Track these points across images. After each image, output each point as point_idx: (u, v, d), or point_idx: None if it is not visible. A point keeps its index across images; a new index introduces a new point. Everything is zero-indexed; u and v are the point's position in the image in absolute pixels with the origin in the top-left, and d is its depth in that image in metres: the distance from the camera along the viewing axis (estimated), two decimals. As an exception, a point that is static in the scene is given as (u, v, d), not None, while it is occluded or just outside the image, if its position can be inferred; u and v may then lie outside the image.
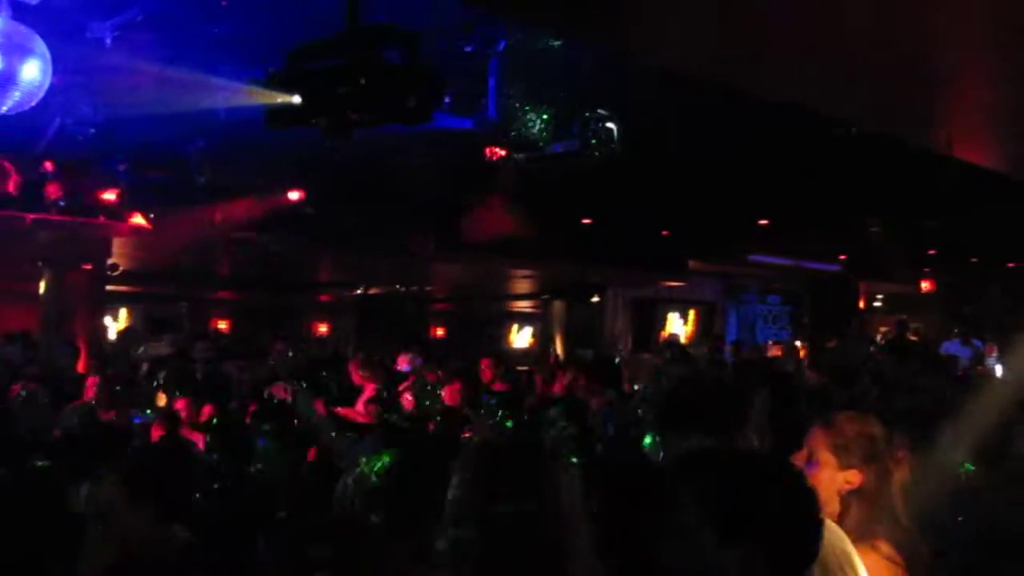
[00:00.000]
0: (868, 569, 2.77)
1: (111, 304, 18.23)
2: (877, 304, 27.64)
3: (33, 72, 5.90)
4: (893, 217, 15.24)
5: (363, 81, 4.29)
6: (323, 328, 22.85)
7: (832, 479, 3.14)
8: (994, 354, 14.76)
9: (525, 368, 14.24)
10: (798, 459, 3.26)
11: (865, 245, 17.64)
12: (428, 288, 21.40)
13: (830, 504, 3.06)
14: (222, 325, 21.65)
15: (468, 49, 6.92)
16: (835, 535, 2.70)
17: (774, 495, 2.14)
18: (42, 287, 12.74)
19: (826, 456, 3.18)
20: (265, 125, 4.84)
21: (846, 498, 3.12)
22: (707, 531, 2.09)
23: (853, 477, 3.14)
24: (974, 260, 21.61)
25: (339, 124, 4.60)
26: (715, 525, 2.08)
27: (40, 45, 5.94)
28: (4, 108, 5.94)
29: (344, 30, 4.46)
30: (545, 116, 7.27)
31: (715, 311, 24.18)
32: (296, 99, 4.58)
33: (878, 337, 21.50)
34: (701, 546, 2.09)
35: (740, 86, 7.75)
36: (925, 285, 24.02)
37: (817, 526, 2.16)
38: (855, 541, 2.80)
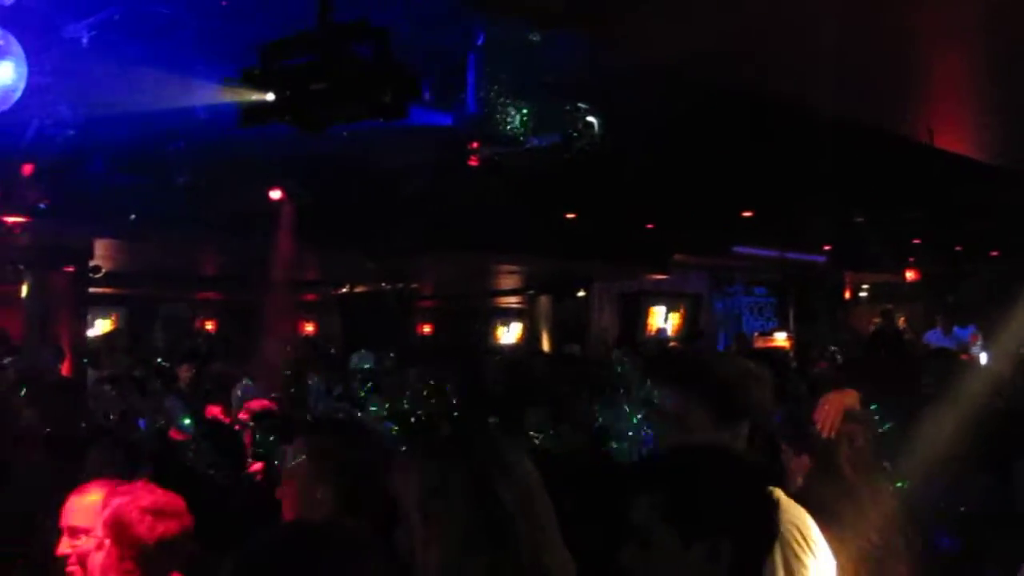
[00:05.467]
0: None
1: (102, 306, 18.25)
2: (863, 294, 27.71)
3: (8, 73, 5.85)
4: (877, 207, 15.29)
5: (336, 78, 4.26)
6: (309, 327, 22.82)
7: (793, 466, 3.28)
8: (979, 342, 14.77)
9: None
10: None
11: (850, 235, 17.69)
12: (414, 285, 21.36)
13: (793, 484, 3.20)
14: (208, 326, 21.67)
15: (447, 44, 6.91)
16: (790, 512, 2.72)
17: (732, 487, 2.15)
18: (24, 290, 12.69)
19: (785, 447, 3.33)
20: (239, 124, 4.80)
21: (806, 478, 3.24)
22: (669, 533, 2.09)
23: (807, 460, 3.28)
24: (958, 249, 21.70)
25: (313, 121, 4.57)
26: (677, 526, 2.09)
27: (15, 46, 5.89)
28: (-20, 110, 5.90)
29: (316, 27, 4.44)
30: (525, 110, 7.24)
31: (701, 303, 24.19)
32: (270, 96, 4.54)
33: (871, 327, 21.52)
34: (664, 548, 2.09)
35: (722, 80, 7.76)
36: (910, 275, 24.09)
37: (773, 510, 2.17)
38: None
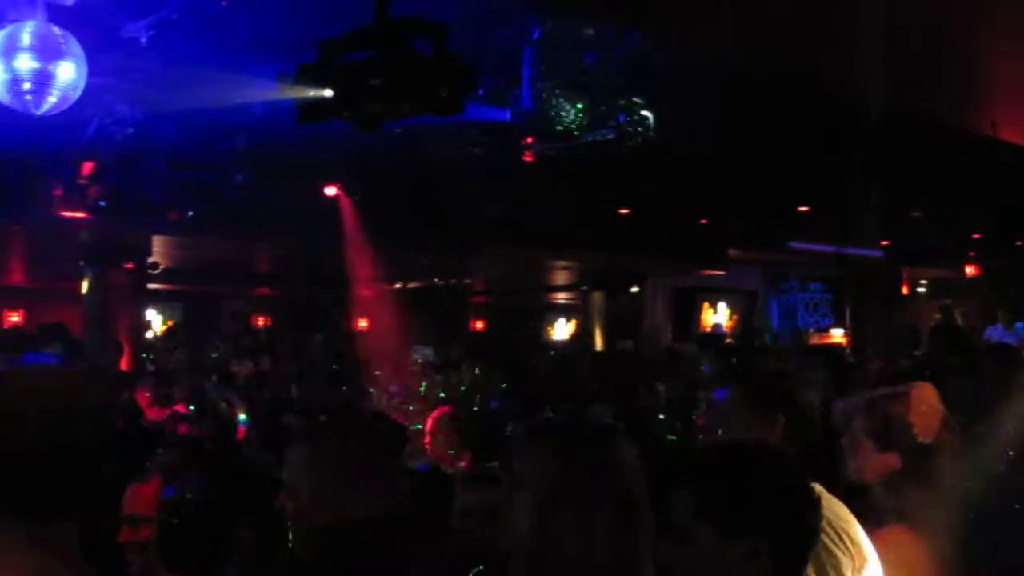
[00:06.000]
0: (900, 544, 2.73)
1: (159, 302, 18.54)
2: (921, 290, 27.29)
3: (69, 73, 5.93)
4: (936, 201, 15.04)
5: (393, 73, 4.26)
6: (363, 323, 22.94)
7: (872, 462, 3.12)
8: (1041, 338, 14.45)
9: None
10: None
11: (908, 230, 17.41)
12: (467, 281, 21.40)
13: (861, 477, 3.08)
14: (261, 322, 21.92)
15: (502, 40, 6.90)
16: (831, 508, 2.66)
17: (772, 486, 2.11)
18: (84, 286, 12.90)
19: (863, 439, 3.15)
20: (296, 120, 4.82)
21: (888, 480, 3.08)
22: (708, 530, 2.06)
23: (892, 460, 3.10)
24: (1019, 243, 21.27)
25: (370, 116, 4.58)
26: (715, 524, 2.06)
27: (75, 46, 5.97)
28: (42, 109, 5.98)
29: (374, 22, 4.44)
30: (580, 105, 7.20)
31: (756, 300, 23.96)
32: (327, 93, 4.56)
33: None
34: (703, 547, 2.07)
35: (779, 74, 7.67)
36: (970, 270, 23.62)
37: (816, 510, 2.13)
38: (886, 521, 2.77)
